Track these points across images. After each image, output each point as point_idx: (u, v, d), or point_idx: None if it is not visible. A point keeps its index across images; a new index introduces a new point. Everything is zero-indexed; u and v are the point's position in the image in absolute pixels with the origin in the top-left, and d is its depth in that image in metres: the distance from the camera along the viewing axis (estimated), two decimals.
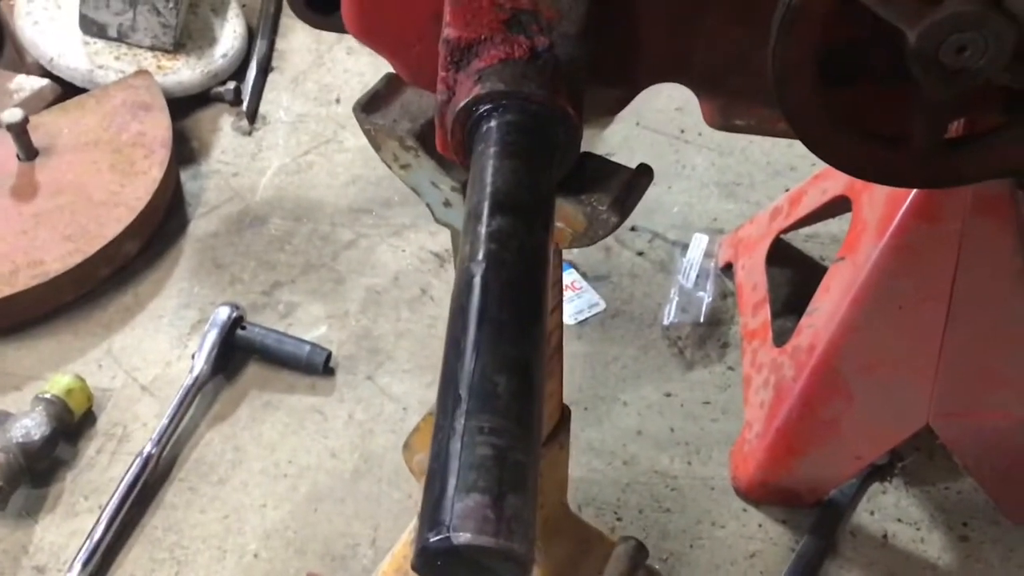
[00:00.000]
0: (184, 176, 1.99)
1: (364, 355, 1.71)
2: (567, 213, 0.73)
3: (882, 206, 1.33)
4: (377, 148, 0.85)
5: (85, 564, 1.40)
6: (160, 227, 1.88)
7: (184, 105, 2.09)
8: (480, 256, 0.56)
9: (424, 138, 0.81)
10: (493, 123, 0.64)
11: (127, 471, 1.49)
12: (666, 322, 1.73)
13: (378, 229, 1.92)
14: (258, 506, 1.51)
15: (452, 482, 0.46)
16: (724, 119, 0.92)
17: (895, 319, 1.33)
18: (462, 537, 0.44)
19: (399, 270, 1.85)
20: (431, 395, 1.65)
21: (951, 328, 1.32)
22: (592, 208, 0.72)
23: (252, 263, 1.85)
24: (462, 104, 0.65)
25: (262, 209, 1.95)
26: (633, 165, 0.79)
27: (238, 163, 2.04)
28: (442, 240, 1.89)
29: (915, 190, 1.26)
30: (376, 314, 1.77)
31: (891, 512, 1.51)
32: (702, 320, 1.73)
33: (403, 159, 0.83)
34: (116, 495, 1.47)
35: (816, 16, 0.77)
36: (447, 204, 0.84)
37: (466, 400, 0.49)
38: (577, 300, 1.78)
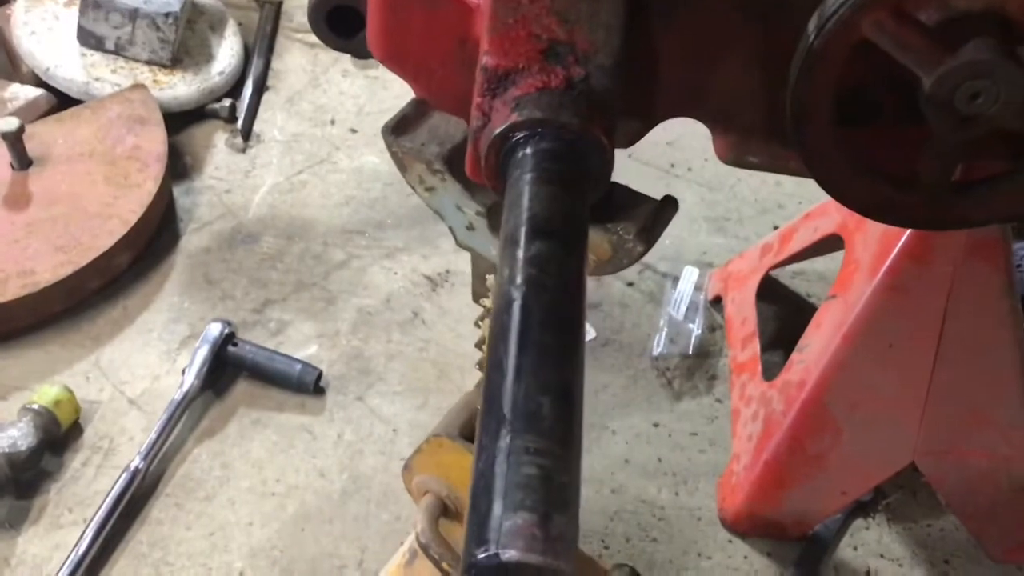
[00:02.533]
0: (177, 191, 1.99)
1: (354, 375, 1.71)
2: (593, 241, 0.75)
3: (875, 246, 1.36)
4: (403, 170, 0.86)
5: None
6: (152, 241, 1.87)
7: (179, 120, 2.10)
8: (520, 280, 0.57)
9: (451, 162, 0.82)
10: (529, 150, 0.65)
11: (114, 485, 1.48)
12: (655, 352, 1.75)
13: (370, 250, 1.92)
14: (245, 524, 1.50)
15: (499, 500, 0.47)
16: (736, 155, 0.94)
17: (885, 357, 1.35)
18: (510, 554, 0.45)
19: (391, 292, 1.85)
20: (421, 417, 1.65)
21: (939, 368, 1.34)
22: (619, 237, 0.74)
23: (243, 280, 1.85)
24: (499, 130, 0.67)
25: (254, 226, 1.95)
26: None
27: (231, 180, 2.05)
28: (434, 263, 1.90)
29: (908, 231, 1.28)
30: (367, 335, 1.77)
31: (874, 548, 1.52)
32: (691, 352, 1.75)
33: (429, 182, 0.84)
34: (102, 509, 1.45)
35: (836, 59, 0.79)
36: (470, 228, 0.85)
37: (511, 420, 0.50)
38: None
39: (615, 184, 0.77)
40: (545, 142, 0.66)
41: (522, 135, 0.66)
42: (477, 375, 1.71)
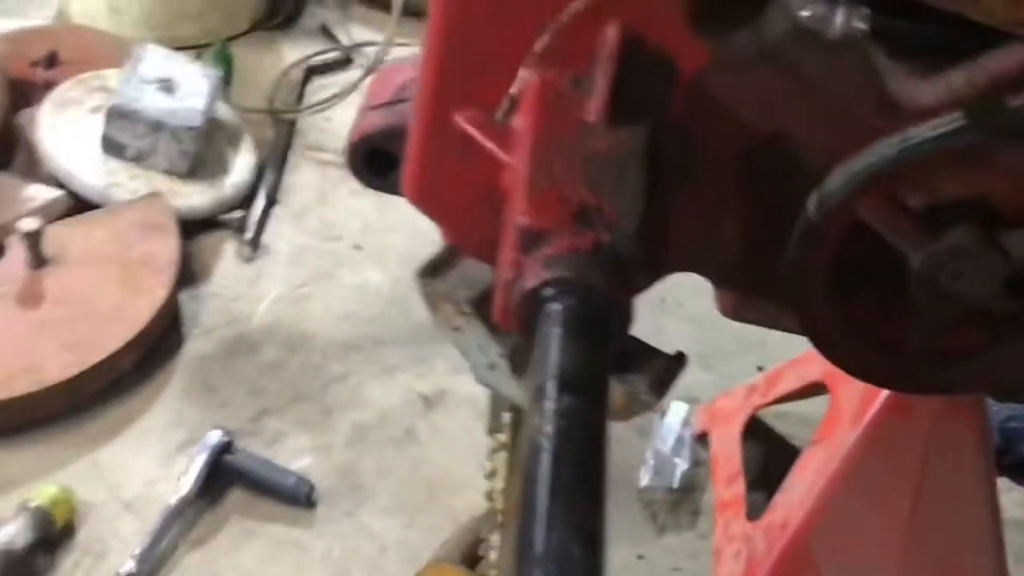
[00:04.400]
0: (183, 296, 2.05)
1: (346, 491, 1.74)
2: (610, 391, 0.80)
3: (858, 396, 1.43)
4: (433, 310, 0.92)
5: None
6: (156, 344, 1.92)
7: (189, 228, 2.17)
8: (551, 431, 0.62)
9: (478, 306, 0.88)
10: (558, 306, 0.71)
11: None
12: (641, 484, 1.79)
13: (368, 366, 1.98)
14: None
15: None
16: (735, 311, 1.01)
17: (865, 505, 1.40)
18: None
19: (386, 408, 1.90)
20: (410, 536, 1.68)
21: (917, 518, 1.39)
22: (633, 388, 0.80)
23: (242, 389, 1.90)
24: (530, 286, 0.73)
25: (257, 336, 2.01)
26: None
27: (237, 289, 2.11)
28: (430, 383, 1.95)
29: None
30: (361, 450, 1.81)
31: None
32: (675, 485, 1.79)
33: (456, 323, 0.90)
34: None
35: (832, 235, 0.87)
36: (491, 367, 0.91)
37: (544, 562, 0.55)
38: None
39: (629, 336, 0.83)
40: (573, 300, 0.72)
41: (551, 292, 0.72)
42: (468, 496, 1.74)
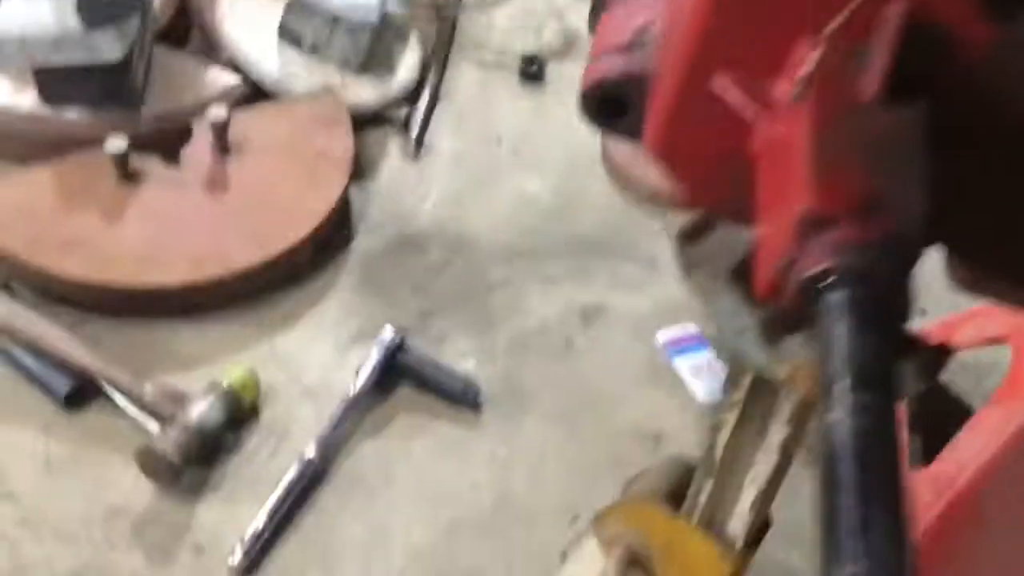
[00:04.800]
0: (352, 191, 2.10)
1: (508, 396, 1.80)
2: None
3: None
4: (687, 272, 0.94)
5: (247, 552, 1.50)
6: (329, 238, 1.99)
7: (357, 123, 2.20)
8: (857, 429, 0.65)
9: (737, 273, 0.90)
10: (845, 295, 0.72)
11: (289, 472, 1.59)
12: None
13: (529, 274, 2.02)
14: (403, 525, 1.61)
15: None
16: (973, 286, 1.01)
17: None
18: None
19: (546, 318, 1.95)
20: (569, 447, 1.74)
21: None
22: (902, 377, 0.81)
23: (408, 287, 1.96)
24: (812, 272, 0.75)
25: (421, 236, 2.06)
26: None
27: (402, 187, 2.15)
28: (589, 296, 1.99)
29: None
30: (522, 358, 1.87)
31: None
32: None
33: (711, 287, 0.92)
34: (277, 492, 1.57)
35: None
36: (740, 332, 0.93)
37: (862, 561, 0.59)
38: (711, 380, 1.87)
39: None
40: (861, 289, 0.73)
41: (837, 279, 0.74)
42: (626, 414, 1.80)
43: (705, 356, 1.91)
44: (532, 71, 2.46)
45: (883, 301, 0.74)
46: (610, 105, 1.11)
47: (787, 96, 0.83)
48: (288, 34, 2.17)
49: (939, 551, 1.51)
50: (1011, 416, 1.40)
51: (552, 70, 2.48)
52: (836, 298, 0.74)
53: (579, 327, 1.94)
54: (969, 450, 1.47)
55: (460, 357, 1.85)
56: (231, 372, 1.68)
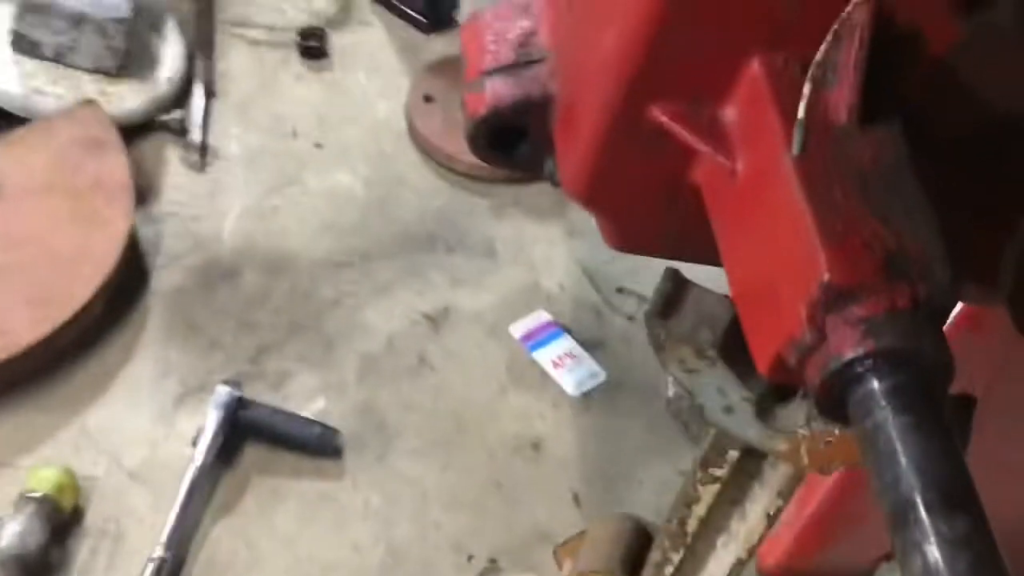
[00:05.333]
0: (136, 219, 1.81)
1: (370, 433, 1.62)
2: None
3: None
4: (661, 350, 0.80)
5: None
6: (121, 282, 1.69)
7: (126, 135, 1.88)
8: (961, 568, 0.54)
9: (723, 347, 0.76)
10: (888, 383, 0.61)
11: None
12: (668, 395, 1.74)
13: (361, 286, 1.82)
14: None
15: None
16: None
17: None
18: None
19: (391, 333, 1.76)
20: (448, 478, 1.58)
21: (982, 436, 1.39)
22: None
23: (231, 324, 1.71)
24: (850, 357, 0.62)
25: (231, 260, 1.80)
26: None
27: (195, 205, 1.88)
28: (431, 300, 1.81)
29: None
30: (375, 384, 1.68)
31: None
32: None
33: (693, 365, 0.78)
34: None
35: None
36: (728, 410, 0.80)
37: None
38: (578, 370, 1.76)
39: None
40: (904, 375, 0.61)
41: (878, 364, 0.62)
42: (499, 428, 1.66)
43: (564, 344, 1.79)
44: (312, 46, 2.20)
45: (929, 383, 0.63)
46: (504, 135, 0.94)
47: (774, 149, 0.69)
48: (23, 43, 1.82)
49: (839, 516, 1.48)
50: None
51: (335, 41, 2.23)
52: (881, 387, 0.61)
53: (428, 337, 1.77)
54: None
55: (307, 398, 1.64)
56: (39, 475, 1.40)
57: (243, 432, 1.55)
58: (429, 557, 1.49)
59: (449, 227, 1.94)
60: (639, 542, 1.01)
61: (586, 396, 1.73)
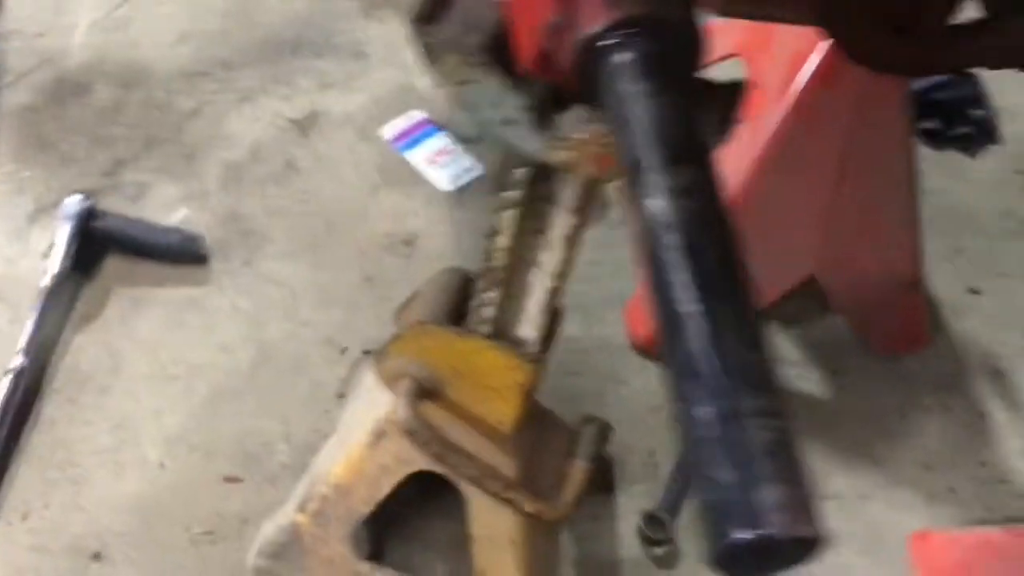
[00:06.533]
0: None
1: (236, 239, 1.58)
2: None
3: (783, 69, 1.36)
4: (432, 62, 0.75)
5: None
6: None
7: None
8: (677, 216, 0.52)
9: (492, 52, 0.72)
10: (633, 54, 0.58)
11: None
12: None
13: (223, 95, 1.75)
14: (151, 413, 1.40)
15: (745, 472, 0.44)
16: (724, 6, 0.90)
17: (792, 178, 1.38)
18: (779, 531, 0.43)
19: (256, 141, 1.71)
20: (320, 277, 1.56)
21: (841, 183, 1.39)
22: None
23: (84, 139, 1.65)
24: (594, 30, 0.59)
25: (81, 75, 1.73)
26: None
27: (40, 20, 1.78)
28: (298, 105, 1.76)
29: (816, 57, 1.29)
30: (240, 192, 1.64)
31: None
32: None
33: (464, 75, 0.74)
34: None
35: None
36: (507, 122, 0.76)
37: (725, 381, 0.47)
38: (452, 165, 1.72)
39: None
40: (650, 43, 0.58)
41: (621, 36, 0.59)
42: (369, 226, 1.63)
43: (439, 142, 1.75)
44: None
45: (677, 51, 0.60)
46: None
47: None
48: None
49: None
50: (758, 130, 1.35)
51: None
52: (623, 58, 0.59)
53: (295, 142, 1.72)
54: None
55: (168, 209, 1.60)
56: None
57: (100, 243, 1.51)
58: (301, 352, 1.48)
59: (316, 30, 1.87)
60: (466, 292, 1.00)
61: (461, 191, 1.70)
